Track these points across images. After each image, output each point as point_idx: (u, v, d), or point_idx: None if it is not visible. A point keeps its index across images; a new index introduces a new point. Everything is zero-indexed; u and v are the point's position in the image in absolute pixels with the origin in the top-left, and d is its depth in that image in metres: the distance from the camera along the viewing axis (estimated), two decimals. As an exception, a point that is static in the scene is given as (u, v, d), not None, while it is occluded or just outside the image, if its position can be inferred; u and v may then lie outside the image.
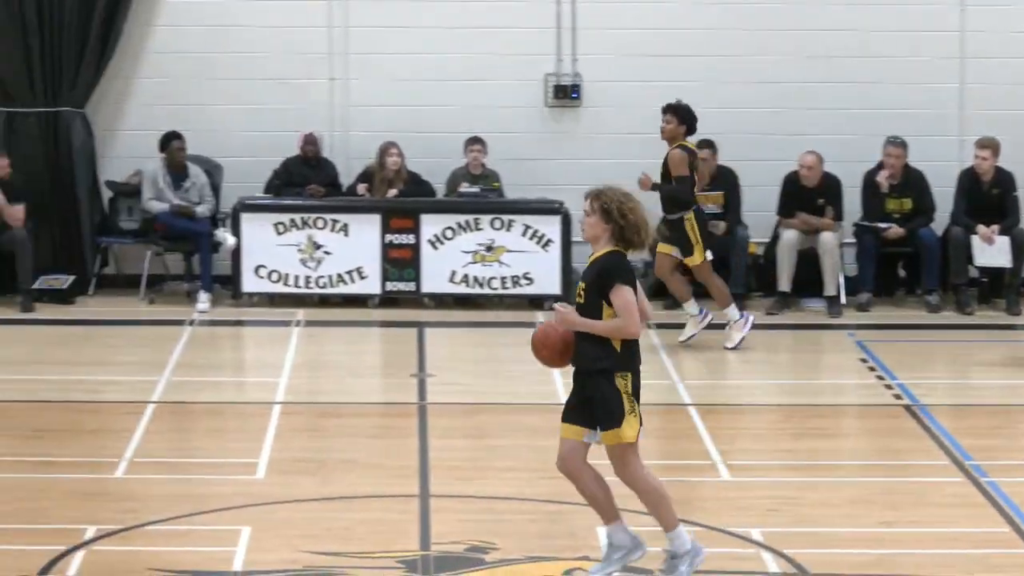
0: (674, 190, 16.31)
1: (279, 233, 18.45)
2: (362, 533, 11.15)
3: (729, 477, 12.62)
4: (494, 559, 10.60)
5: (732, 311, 16.90)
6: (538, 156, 19.54)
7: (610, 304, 9.85)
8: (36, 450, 13.06)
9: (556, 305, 9.92)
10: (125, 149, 19.48)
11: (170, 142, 18.29)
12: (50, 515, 10.50)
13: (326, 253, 18.42)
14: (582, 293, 9.92)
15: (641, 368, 9.86)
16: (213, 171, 18.94)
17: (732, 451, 13.33)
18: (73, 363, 15.99)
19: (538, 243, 18.46)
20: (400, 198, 18.25)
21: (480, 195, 18.86)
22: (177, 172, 18.32)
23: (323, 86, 19.69)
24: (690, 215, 16.67)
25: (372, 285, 18.19)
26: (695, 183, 16.38)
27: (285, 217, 18.46)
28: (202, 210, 18.20)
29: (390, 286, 18.14)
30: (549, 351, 9.91)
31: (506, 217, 18.44)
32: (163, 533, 10.61)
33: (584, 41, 19.60)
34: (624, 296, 9.84)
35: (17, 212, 18.19)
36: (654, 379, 14.95)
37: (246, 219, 18.43)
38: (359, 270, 18.31)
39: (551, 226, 18.45)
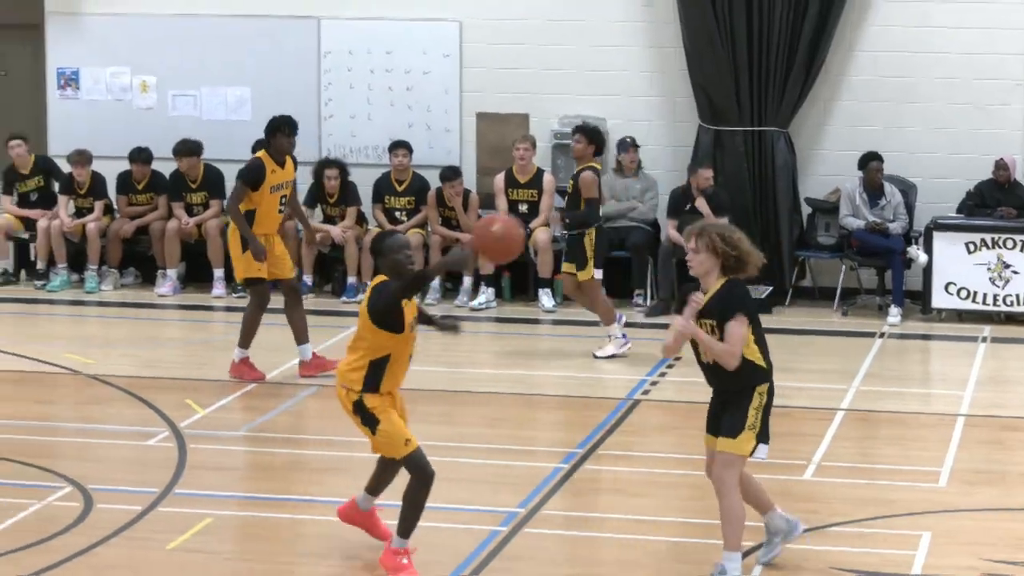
0: (584, 215, 16.05)
1: (969, 252, 18.05)
2: None
3: None
4: None
5: (615, 329, 16.15)
6: None
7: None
8: None
9: (692, 296, 9.64)
10: (825, 168, 19.42)
11: (869, 163, 18.00)
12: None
13: (1014, 273, 17.96)
14: (711, 328, 9.68)
15: None
16: (908, 191, 18.69)
17: None
18: None
19: None
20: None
21: None
22: (874, 191, 18.03)
23: (1017, 111, 19.04)
24: (591, 231, 16.16)
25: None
26: (602, 202, 16.27)
27: (976, 237, 18.06)
28: (896, 227, 17.87)
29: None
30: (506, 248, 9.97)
31: None
32: (844, 534, 10.57)
33: None
34: (738, 328, 9.70)
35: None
36: None
37: (938, 238, 18.16)
38: (1047, 289, 17.78)
39: None
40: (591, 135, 16.15)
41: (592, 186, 16.06)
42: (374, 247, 10.10)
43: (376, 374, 9.69)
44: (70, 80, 20.45)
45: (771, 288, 18.77)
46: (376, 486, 10.32)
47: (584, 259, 15.96)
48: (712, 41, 18.73)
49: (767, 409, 9.91)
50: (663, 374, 15.81)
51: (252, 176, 14.46)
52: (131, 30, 20.55)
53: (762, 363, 9.85)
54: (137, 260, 19.44)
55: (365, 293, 9.94)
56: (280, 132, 14.61)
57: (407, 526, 9.77)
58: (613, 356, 15.87)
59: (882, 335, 17.60)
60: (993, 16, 19.18)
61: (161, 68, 20.51)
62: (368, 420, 9.81)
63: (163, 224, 18.76)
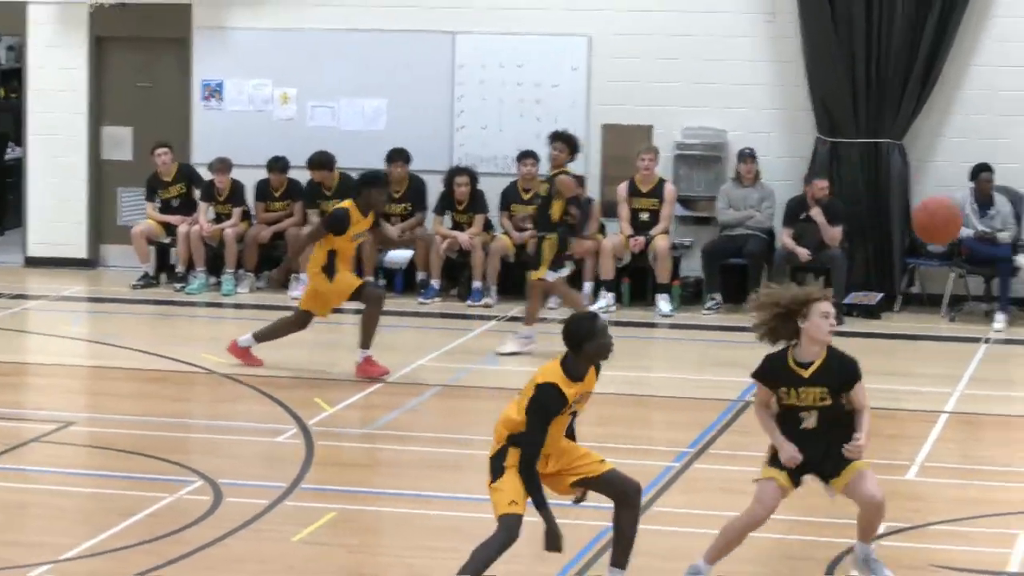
0: (585, 215, 16.32)
1: None
2: None
3: None
4: None
5: (528, 331, 16.03)
6: None
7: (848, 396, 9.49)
8: None
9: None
10: (937, 179, 19.31)
11: (979, 173, 17.98)
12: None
13: None
14: (827, 396, 9.36)
15: None
16: (1017, 201, 18.59)
17: None
18: (876, 373, 15.75)
19: None
20: None
21: None
22: (984, 201, 17.97)
23: None
24: (553, 236, 16.04)
25: None
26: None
27: None
28: (1004, 236, 17.79)
29: None
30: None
31: None
32: (944, 532, 10.54)
33: None
34: (865, 391, 9.59)
35: (836, 233, 18.14)
36: None
37: None
38: None
39: None
40: (569, 142, 16.47)
41: (572, 187, 16.26)
42: (578, 331, 9.67)
43: None
44: (214, 91, 20.62)
45: (882, 295, 18.83)
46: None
47: (538, 260, 16.08)
48: (831, 56, 18.78)
49: None
50: None
51: (337, 226, 14.58)
52: (273, 44, 20.71)
53: None
54: (273, 264, 19.39)
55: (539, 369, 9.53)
56: (375, 187, 14.71)
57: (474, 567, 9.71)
58: (515, 353, 15.85)
59: (987, 341, 17.49)
60: None
61: (301, 80, 20.63)
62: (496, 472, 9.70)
63: (299, 230, 18.81)
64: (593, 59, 19.74)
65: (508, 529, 9.49)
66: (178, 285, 18.65)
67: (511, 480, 9.37)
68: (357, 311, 15.09)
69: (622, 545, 9.23)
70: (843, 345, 16.70)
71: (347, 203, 14.76)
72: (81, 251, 20.94)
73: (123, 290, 18.84)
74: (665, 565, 9.78)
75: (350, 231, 14.77)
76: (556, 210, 15.87)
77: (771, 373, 9.46)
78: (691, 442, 12.61)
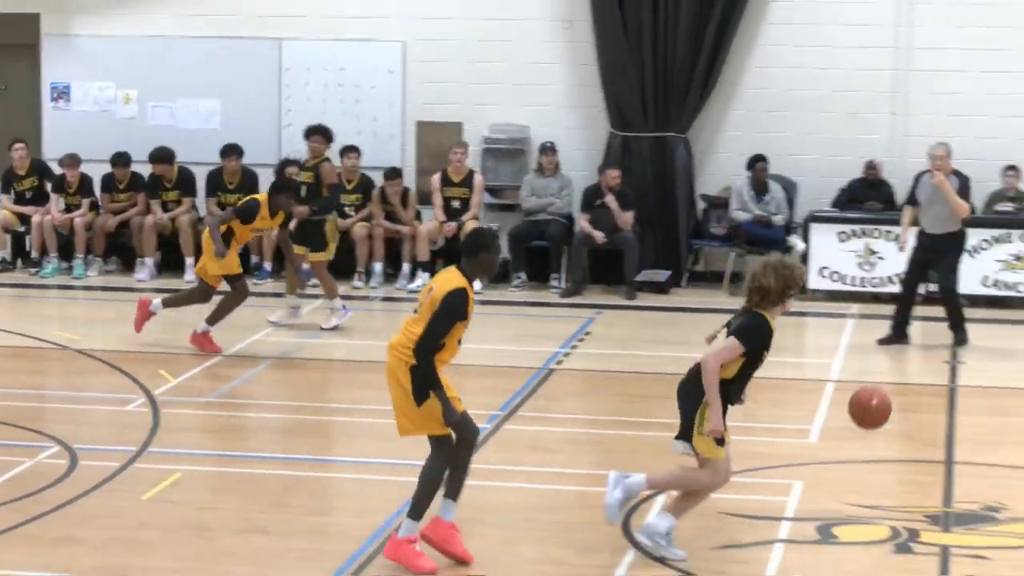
0: (330, 200, 16.18)
1: (841, 241, 18.19)
2: (895, 491, 11.05)
3: None
4: (1005, 517, 10.42)
5: (337, 303, 16.13)
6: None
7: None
8: (635, 411, 13.24)
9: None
10: (717, 168, 19.57)
11: (755, 163, 18.17)
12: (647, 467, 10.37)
13: (879, 258, 18.15)
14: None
15: None
16: (789, 188, 18.83)
17: None
18: (665, 342, 16.10)
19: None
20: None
21: (1012, 214, 18.30)
22: (760, 188, 18.16)
23: (884, 119, 19.36)
24: (333, 217, 16.32)
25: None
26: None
27: (847, 228, 18.22)
28: (778, 220, 17.98)
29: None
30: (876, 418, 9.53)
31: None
32: (731, 484, 10.52)
33: None
34: (732, 347, 9.48)
35: (628, 218, 18.16)
36: None
37: (815, 228, 18.33)
38: (907, 273, 17.35)
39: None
40: (326, 134, 16.74)
41: (333, 174, 16.44)
42: (479, 241, 9.55)
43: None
44: (62, 93, 20.43)
45: (670, 272, 18.83)
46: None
47: (324, 242, 16.07)
48: (622, 59, 18.73)
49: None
50: (575, 347, 15.85)
51: (246, 215, 14.57)
52: (116, 49, 20.51)
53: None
54: (119, 250, 19.43)
55: (437, 282, 9.33)
56: (286, 194, 14.67)
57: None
58: (337, 327, 15.88)
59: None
60: (863, 37, 19.30)
61: (142, 82, 20.48)
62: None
63: (142, 219, 18.76)
64: (407, 63, 19.71)
65: (466, 424, 9.31)
66: (33, 270, 18.42)
67: (441, 395, 9.20)
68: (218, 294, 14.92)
69: (457, 479, 9.09)
70: (636, 317, 16.97)
71: (262, 197, 14.79)
72: (-62, 240, 19.89)
73: (-19, 275, 18.47)
74: (483, 516, 9.87)
75: (254, 223, 14.77)
76: (326, 194, 15.90)
77: (769, 339, 9.29)
78: (501, 405, 12.69)
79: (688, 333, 15.68)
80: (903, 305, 15.99)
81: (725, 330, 9.27)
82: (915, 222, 16.06)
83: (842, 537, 10.31)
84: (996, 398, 13.92)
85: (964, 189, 15.91)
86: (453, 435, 9.05)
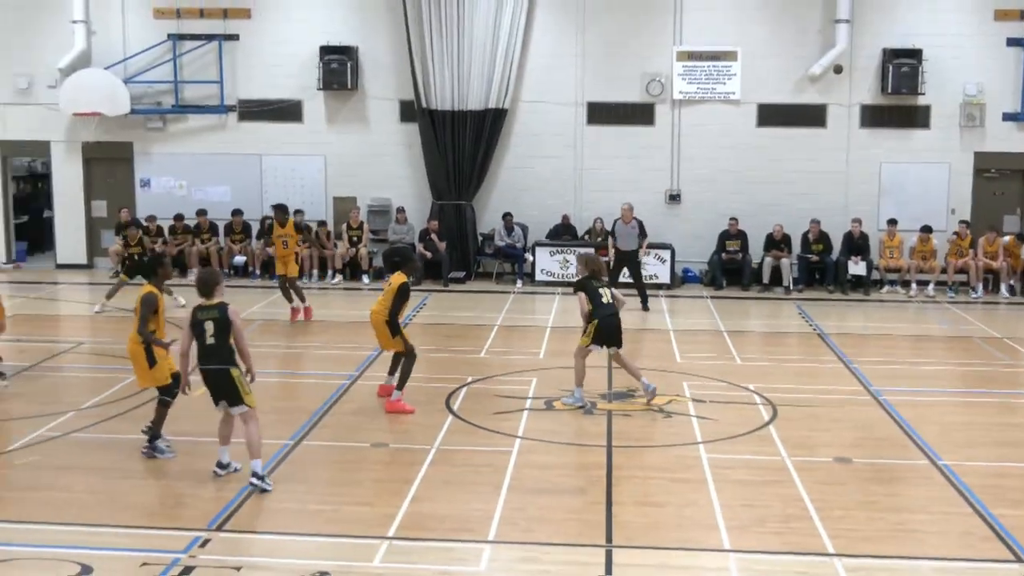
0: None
1: (551, 255, 23.86)
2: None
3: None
4: (638, 396, 14.29)
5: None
6: None
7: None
8: (442, 345, 16.76)
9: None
10: (487, 218, 25.18)
11: (505, 216, 23.64)
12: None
13: (571, 265, 23.54)
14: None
15: None
16: (524, 228, 24.38)
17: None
18: (461, 310, 20.62)
19: None
20: None
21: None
22: (509, 228, 23.79)
23: (571, 189, 25.49)
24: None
25: None
26: None
27: (555, 248, 23.61)
28: (519, 245, 23.37)
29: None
30: None
31: None
32: (505, 380, 14.25)
33: None
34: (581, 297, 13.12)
35: (442, 245, 24.11)
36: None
37: (539, 250, 23.52)
38: None
39: None
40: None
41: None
42: (407, 255, 12.58)
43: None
44: (145, 183, 26.47)
45: (464, 272, 25.31)
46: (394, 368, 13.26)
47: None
48: (438, 165, 25.40)
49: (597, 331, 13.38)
50: (419, 310, 20.50)
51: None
52: (174, 159, 26.22)
53: (594, 310, 13.17)
54: (182, 267, 24.60)
55: (392, 278, 12.44)
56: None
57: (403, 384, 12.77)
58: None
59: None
60: (555, 146, 24.76)
61: (189, 176, 26.32)
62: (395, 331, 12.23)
63: (190, 249, 24.94)
64: (328, 168, 24.64)
65: (413, 347, 13.19)
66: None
67: (401, 334, 12.93)
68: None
69: (404, 373, 12.87)
70: (447, 296, 22.51)
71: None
72: None
73: None
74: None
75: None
76: None
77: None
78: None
79: (474, 305, 21.68)
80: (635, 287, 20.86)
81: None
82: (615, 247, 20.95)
83: (557, 407, 13.82)
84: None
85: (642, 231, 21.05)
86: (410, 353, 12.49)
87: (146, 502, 11.25)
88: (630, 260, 21.93)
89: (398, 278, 13.48)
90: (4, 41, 27.31)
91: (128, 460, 12.46)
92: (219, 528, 10.45)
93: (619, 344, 14.02)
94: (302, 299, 20.39)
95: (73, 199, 27.41)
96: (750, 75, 25.50)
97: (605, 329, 13.74)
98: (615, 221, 22.09)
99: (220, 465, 11.60)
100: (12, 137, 27.12)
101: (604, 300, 13.92)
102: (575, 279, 14.10)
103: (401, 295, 13.26)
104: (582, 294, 13.82)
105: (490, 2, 25.23)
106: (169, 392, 12.24)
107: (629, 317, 17.97)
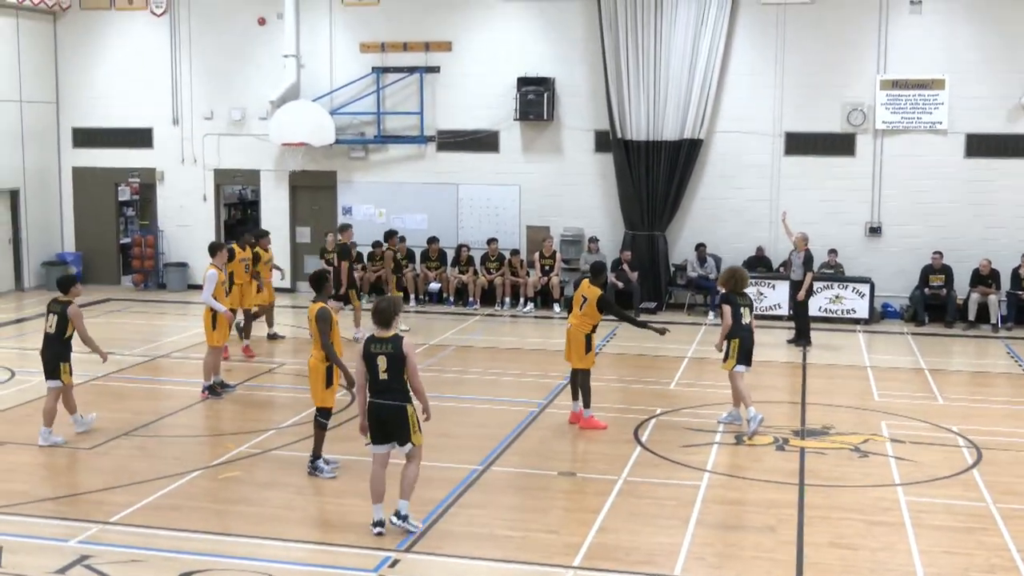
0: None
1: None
2: (777, 418, 14.08)
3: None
4: (833, 433, 14.12)
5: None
6: None
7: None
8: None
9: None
10: (681, 249, 25.00)
11: (699, 247, 23.56)
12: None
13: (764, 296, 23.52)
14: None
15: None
16: (718, 260, 24.26)
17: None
18: (664, 340, 20.25)
19: None
20: None
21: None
22: (702, 259, 23.88)
23: (765, 218, 25.24)
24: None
25: None
26: None
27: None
28: (712, 277, 23.20)
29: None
30: None
31: None
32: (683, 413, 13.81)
33: None
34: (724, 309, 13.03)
35: (634, 276, 24.34)
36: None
37: None
38: None
39: None
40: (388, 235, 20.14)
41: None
42: (597, 267, 13.13)
43: None
44: (347, 210, 27.17)
45: (655, 303, 25.23)
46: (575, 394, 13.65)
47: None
48: (631, 193, 25.45)
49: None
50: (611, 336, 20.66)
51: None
52: (373, 188, 26.90)
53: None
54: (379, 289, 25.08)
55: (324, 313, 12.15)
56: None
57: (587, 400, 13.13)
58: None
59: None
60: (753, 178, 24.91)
61: (387, 204, 26.82)
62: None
63: (387, 273, 25.02)
64: (523, 197, 24.89)
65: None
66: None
67: (591, 351, 12.96)
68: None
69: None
70: (638, 332, 21.21)
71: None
72: None
73: None
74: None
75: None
76: None
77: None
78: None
79: (665, 336, 19.20)
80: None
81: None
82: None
83: (748, 443, 13.81)
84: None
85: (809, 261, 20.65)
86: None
87: (339, 520, 11.68)
88: (795, 291, 21.95)
89: (593, 291, 13.94)
90: (225, 75, 28.60)
91: (322, 478, 13.15)
92: (408, 549, 10.82)
93: (750, 364, 14.21)
94: (247, 335, 20.69)
95: (280, 226, 28.37)
96: (958, 103, 25.11)
97: (745, 347, 13.87)
98: (791, 252, 22.24)
99: (378, 523, 11.26)
100: (225, 166, 28.36)
101: (744, 320, 14.07)
102: (718, 292, 14.31)
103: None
104: (727, 307, 13.92)
105: (688, 32, 25.43)
106: (326, 415, 12.65)
107: (778, 352, 19.09)
